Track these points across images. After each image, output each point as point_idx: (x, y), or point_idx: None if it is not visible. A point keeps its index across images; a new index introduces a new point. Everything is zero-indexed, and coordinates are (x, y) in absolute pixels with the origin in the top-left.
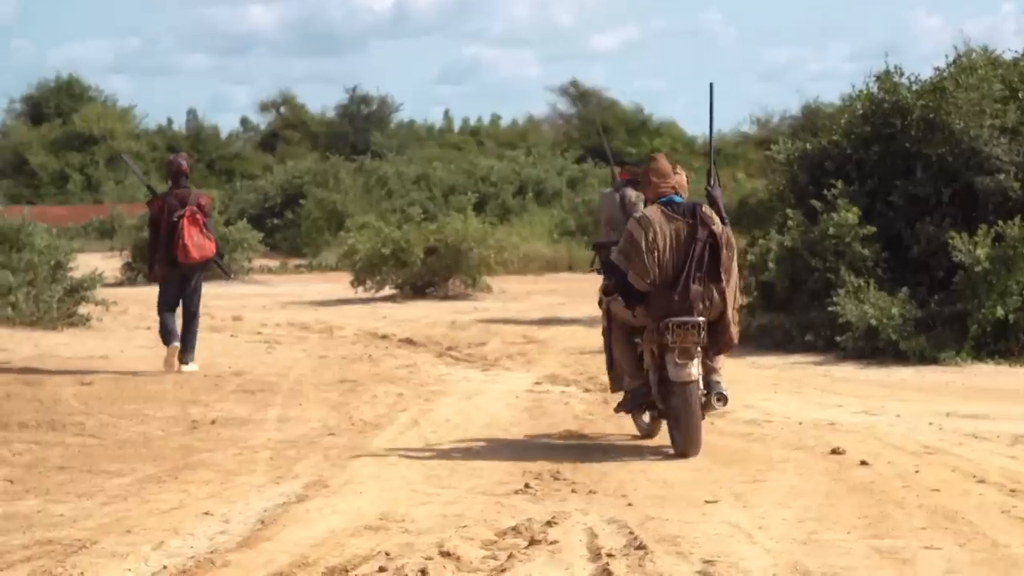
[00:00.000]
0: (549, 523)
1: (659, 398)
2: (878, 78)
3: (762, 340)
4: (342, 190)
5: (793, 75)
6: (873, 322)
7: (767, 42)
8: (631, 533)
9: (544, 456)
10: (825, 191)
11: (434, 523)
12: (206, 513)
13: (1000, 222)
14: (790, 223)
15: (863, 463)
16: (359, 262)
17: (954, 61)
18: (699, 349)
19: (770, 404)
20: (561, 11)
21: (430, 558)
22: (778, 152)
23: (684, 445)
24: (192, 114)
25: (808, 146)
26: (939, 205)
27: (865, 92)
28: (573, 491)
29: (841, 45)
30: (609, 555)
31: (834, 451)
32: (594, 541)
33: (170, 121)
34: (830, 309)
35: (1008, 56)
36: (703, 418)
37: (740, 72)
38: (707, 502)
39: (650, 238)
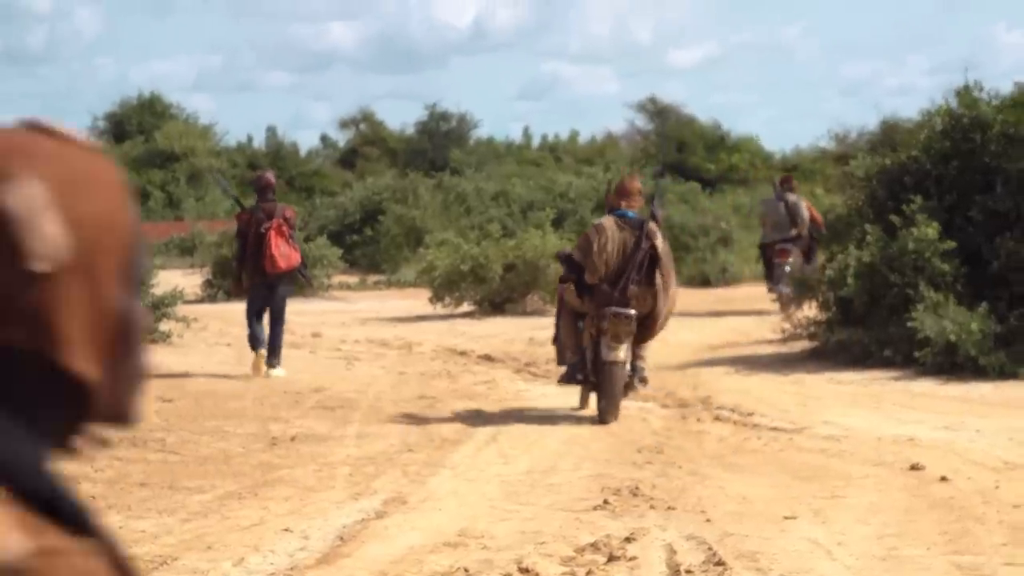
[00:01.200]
0: (628, 539)
1: (592, 372)
2: (957, 93)
3: (840, 356)
4: (421, 206)
5: (871, 90)
6: (952, 337)
7: (846, 56)
8: (710, 549)
9: (622, 472)
10: (904, 206)
11: (513, 539)
12: (286, 530)
13: None
14: (869, 238)
15: (943, 479)
16: (437, 278)
17: None
18: (629, 337)
19: (849, 420)
20: (639, 27)
21: (509, 574)
22: (856, 167)
23: (605, 413)
24: (272, 131)
25: (887, 161)
26: (1019, 220)
27: (944, 107)
28: (652, 507)
29: (920, 59)
30: (688, 571)
31: (914, 467)
32: (673, 557)
33: (250, 138)
34: (909, 324)
35: None
36: (626, 395)
37: (819, 86)
38: (786, 518)
39: (602, 243)
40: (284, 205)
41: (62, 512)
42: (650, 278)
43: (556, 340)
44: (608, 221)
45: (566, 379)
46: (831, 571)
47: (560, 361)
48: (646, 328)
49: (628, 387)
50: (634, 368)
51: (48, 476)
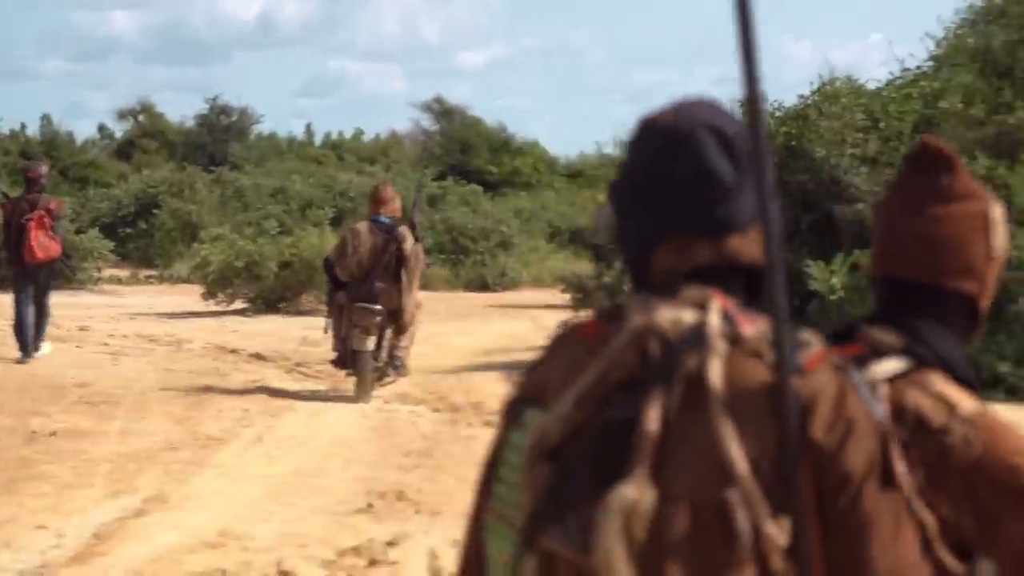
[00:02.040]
0: (390, 543)
1: (349, 360)
2: (741, 103)
3: None
4: (197, 201)
5: (659, 97)
6: None
7: (635, 63)
8: None
9: (390, 476)
10: None
11: (274, 541)
12: (40, 527)
13: (857, 251)
14: None
15: None
16: (211, 274)
17: (818, 89)
18: (376, 329)
19: None
20: (428, 27)
21: None
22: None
23: (357, 395)
24: (47, 120)
25: None
26: (797, 233)
27: None
28: (417, 511)
29: (708, 69)
30: None
31: None
32: (435, 562)
33: (23, 126)
34: None
35: (872, 86)
36: (380, 382)
37: (607, 92)
38: None
39: (355, 245)
40: (49, 197)
41: (973, 387)
42: (397, 277)
43: (327, 330)
44: (363, 226)
45: (335, 363)
46: None
47: (333, 347)
48: (398, 320)
49: (382, 375)
50: (392, 358)
51: (968, 367)
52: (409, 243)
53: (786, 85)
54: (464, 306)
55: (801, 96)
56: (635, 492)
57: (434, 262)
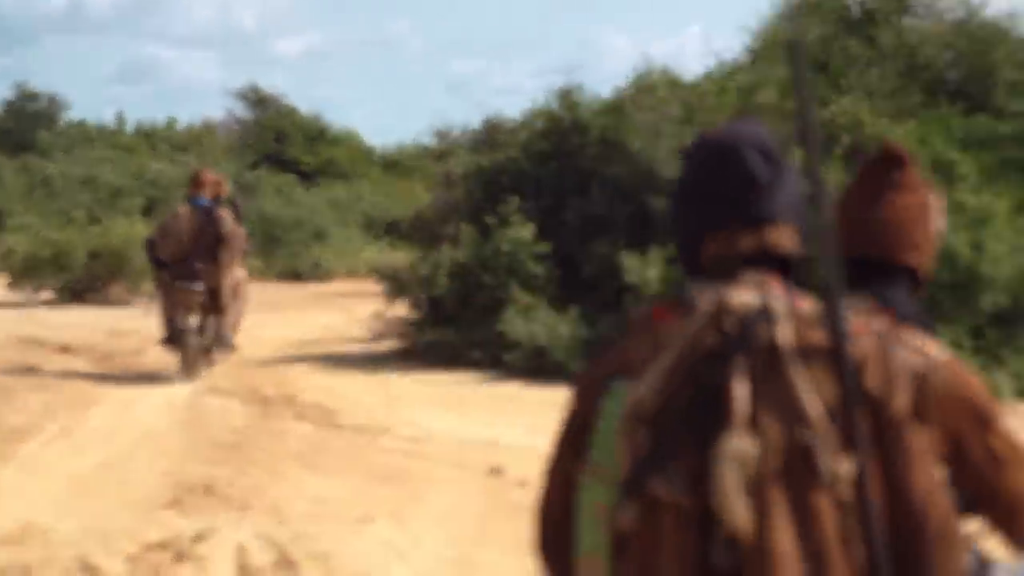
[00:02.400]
0: (197, 538)
1: (175, 338)
2: (559, 95)
3: (429, 356)
4: (3, 189)
5: (477, 88)
6: (541, 341)
7: (454, 54)
8: (282, 550)
9: (199, 469)
10: (500, 206)
11: (78, 536)
12: None
13: (673, 244)
14: (463, 238)
15: (522, 483)
16: (17, 264)
17: (634, 81)
18: (198, 307)
19: (433, 421)
20: (244, 14)
21: (71, 572)
22: (455, 166)
23: (184, 372)
24: None
25: (484, 160)
26: (613, 225)
27: (545, 109)
28: (226, 506)
29: (526, 60)
30: (258, 571)
31: (494, 470)
32: (243, 557)
33: None
34: (499, 327)
35: (688, 79)
36: (207, 359)
37: (424, 83)
38: (362, 520)
39: (175, 226)
40: None
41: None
42: (214, 257)
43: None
44: (183, 209)
45: (162, 342)
46: (402, 574)
47: (163, 329)
48: (217, 299)
49: (208, 352)
50: (218, 335)
51: (928, 321)
52: (228, 224)
53: (605, 77)
54: (277, 297)
55: (617, 88)
56: (742, 443)
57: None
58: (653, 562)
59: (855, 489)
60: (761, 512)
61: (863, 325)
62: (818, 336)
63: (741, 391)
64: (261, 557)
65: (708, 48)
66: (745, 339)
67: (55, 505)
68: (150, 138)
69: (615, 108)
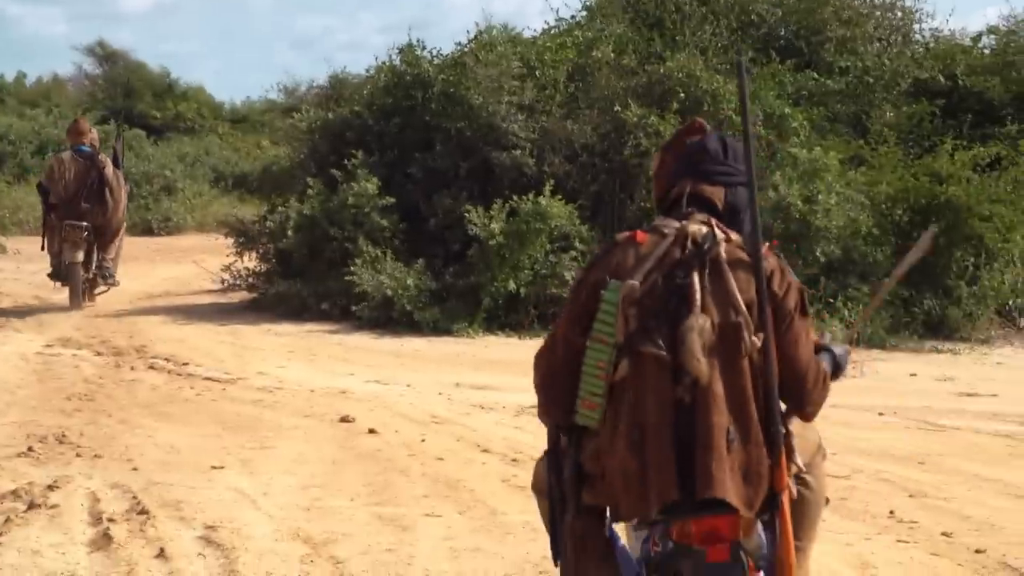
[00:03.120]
0: (51, 487)
1: (63, 272)
2: (401, 51)
3: (279, 308)
4: None
5: (324, 44)
6: (389, 292)
7: (301, 9)
8: (134, 498)
9: (51, 419)
10: (346, 161)
11: None
12: None
13: (515, 197)
14: (310, 192)
15: (371, 431)
16: None
17: (475, 37)
18: (84, 244)
19: (284, 372)
20: None
21: None
22: (300, 120)
23: (71, 303)
24: None
25: (330, 115)
26: (457, 179)
27: (388, 64)
28: (78, 455)
29: (371, 16)
30: (111, 520)
31: (344, 419)
32: (96, 506)
33: None
34: (347, 279)
35: (528, 35)
36: (92, 291)
37: (271, 39)
38: (213, 468)
39: (61, 171)
40: None
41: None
42: (101, 198)
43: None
44: (66, 155)
45: (51, 277)
46: (254, 520)
47: (51, 265)
48: (105, 236)
49: (94, 284)
50: (101, 268)
51: None
52: (110, 169)
53: (448, 33)
54: (128, 251)
55: (459, 44)
56: (701, 320)
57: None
58: (640, 398)
59: (762, 355)
60: (709, 366)
61: (767, 249)
62: (742, 254)
63: (698, 287)
64: (114, 505)
65: (547, 6)
66: (699, 254)
67: None
68: None
69: (456, 63)
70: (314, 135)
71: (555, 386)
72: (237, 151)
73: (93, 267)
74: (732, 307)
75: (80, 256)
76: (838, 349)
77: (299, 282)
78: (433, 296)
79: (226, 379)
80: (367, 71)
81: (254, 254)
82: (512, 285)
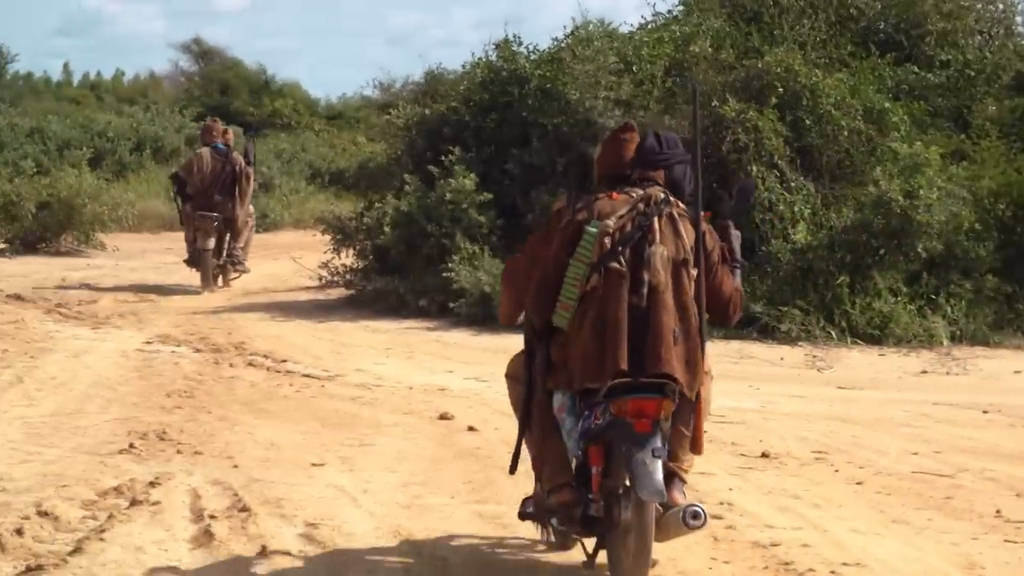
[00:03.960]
0: (152, 484)
1: (196, 258)
2: (497, 46)
3: (377, 304)
4: None
5: (419, 41)
6: (487, 289)
7: (394, 6)
8: (235, 495)
9: (151, 416)
10: (443, 157)
11: (33, 482)
12: None
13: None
14: (407, 188)
15: (471, 428)
16: None
17: (572, 33)
18: (215, 232)
19: (382, 368)
20: None
21: (27, 518)
22: (397, 117)
23: (202, 286)
24: None
25: (427, 112)
26: (553, 174)
27: (484, 60)
28: (179, 452)
29: (466, 12)
30: (212, 517)
31: (443, 416)
32: (197, 502)
33: None
34: (444, 275)
35: (624, 30)
36: (224, 277)
37: (366, 35)
38: (313, 465)
39: (198, 166)
40: None
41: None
42: (231, 191)
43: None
44: (205, 151)
45: (187, 263)
46: (355, 518)
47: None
48: (233, 225)
49: (225, 271)
50: (231, 256)
51: None
52: (241, 165)
53: (542, 28)
54: None
55: (555, 39)
56: (661, 248)
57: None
58: (605, 301)
59: (696, 284)
60: (663, 285)
61: (703, 215)
62: (686, 214)
63: (658, 228)
64: (215, 502)
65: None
66: (659, 208)
67: (10, 452)
68: (96, 90)
69: (553, 59)
70: (411, 131)
71: (545, 293)
72: (333, 147)
73: (224, 255)
74: (680, 246)
75: (211, 243)
76: (736, 242)
77: (396, 278)
78: None
79: (324, 376)
80: (463, 67)
81: (351, 250)
82: None
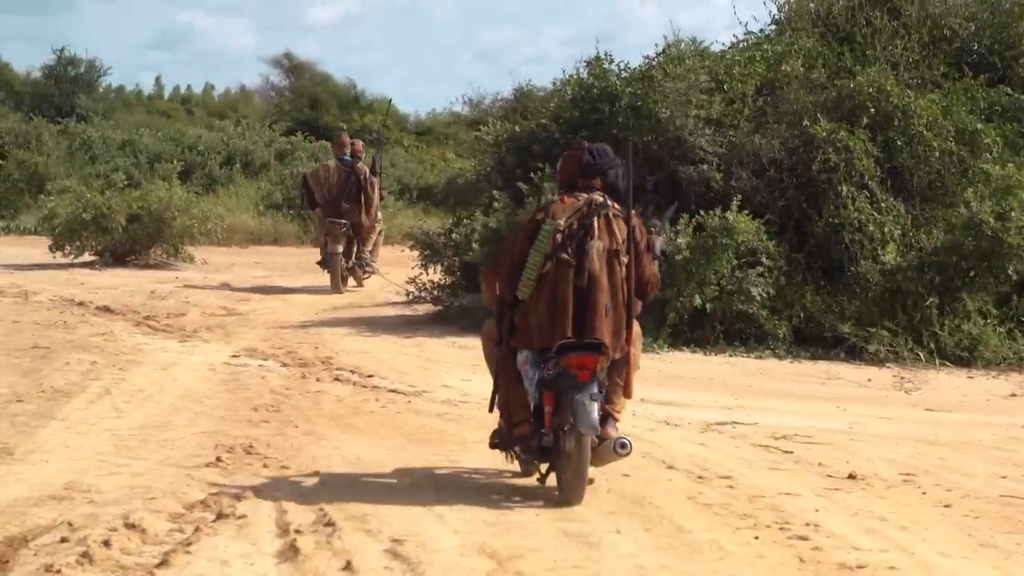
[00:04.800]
0: (238, 497)
1: (326, 260)
2: (588, 64)
3: (463, 320)
4: (44, 152)
5: (508, 57)
6: None
7: (485, 22)
8: (321, 510)
9: (238, 430)
10: (532, 174)
11: (121, 494)
12: None
13: (702, 212)
14: (496, 204)
15: None
16: (58, 226)
17: (663, 51)
18: (344, 237)
19: (468, 385)
20: None
21: (114, 529)
22: (487, 133)
23: (332, 287)
24: None
25: (516, 128)
26: (644, 192)
27: (575, 77)
28: (265, 466)
29: (556, 29)
30: (297, 531)
31: None
32: (283, 517)
33: None
34: None
35: (716, 48)
36: (355, 277)
37: (456, 51)
38: (399, 481)
39: (325, 176)
40: None
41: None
42: (358, 199)
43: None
44: (332, 163)
45: (319, 264)
46: (440, 534)
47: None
48: (361, 232)
49: (354, 273)
50: (359, 259)
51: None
52: (366, 175)
53: (634, 45)
54: (313, 261)
55: (646, 57)
56: (598, 243)
57: (285, 217)
58: (555, 283)
59: (628, 268)
60: (599, 270)
61: (634, 213)
62: (621, 213)
63: (597, 226)
64: (301, 517)
65: (735, 18)
66: (598, 210)
67: (98, 464)
68: (187, 104)
69: (644, 77)
70: (500, 148)
71: (513, 274)
72: (422, 163)
73: (353, 258)
74: (614, 239)
75: (340, 248)
76: (659, 244)
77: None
78: None
79: (411, 392)
80: (553, 83)
81: (439, 266)
82: (698, 300)
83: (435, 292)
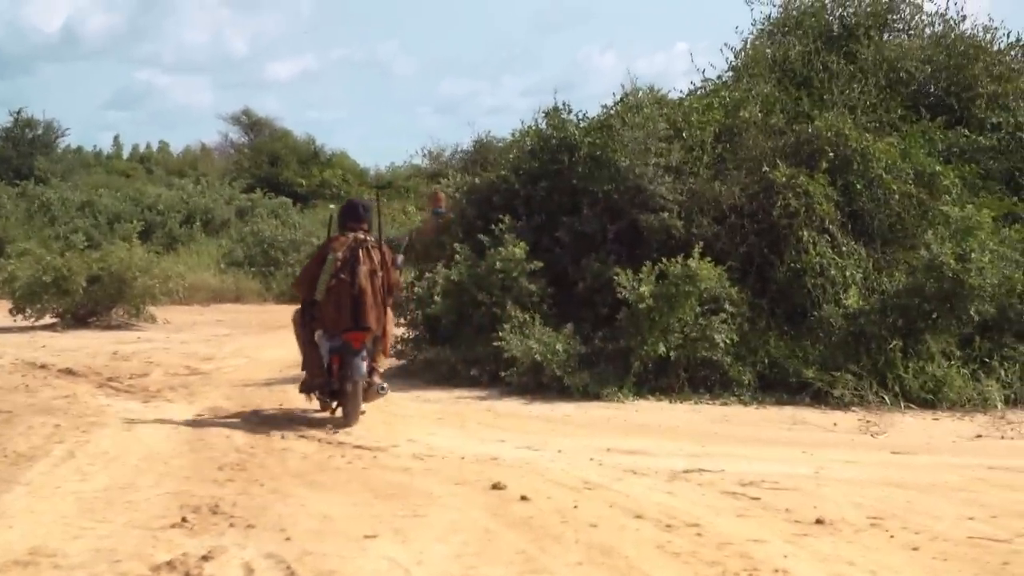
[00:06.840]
0: (205, 557)
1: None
2: (547, 114)
3: (427, 374)
4: (3, 215)
5: (468, 108)
6: (538, 357)
7: (444, 74)
8: (288, 568)
9: (204, 489)
10: (493, 225)
11: (87, 557)
12: None
13: (663, 260)
14: (457, 257)
15: (523, 498)
16: (19, 289)
17: (621, 99)
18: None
19: (433, 439)
20: (236, 38)
21: None
22: (447, 186)
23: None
24: None
25: (476, 180)
26: (604, 242)
27: (534, 128)
28: (231, 525)
29: (515, 80)
30: None
31: (495, 486)
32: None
33: None
34: (495, 344)
35: (674, 96)
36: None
37: (415, 104)
38: (366, 537)
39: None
40: None
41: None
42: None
43: None
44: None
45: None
46: None
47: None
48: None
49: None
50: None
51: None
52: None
53: (592, 95)
54: (275, 319)
55: (604, 106)
56: (364, 267)
57: (247, 274)
58: (339, 293)
59: (382, 279)
60: (365, 283)
61: (386, 244)
62: (376, 245)
63: (362, 256)
64: (269, 575)
65: (694, 66)
66: (362, 244)
67: (63, 527)
68: (146, 163)
69: (602, 126)
70: (460, 200)
71: (311, 284)
72: (382, 216)
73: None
74: (374, 263)
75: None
76: (399, 261)
77: (448, 348)
78: (583, 360)
79: (376, 447)
80: (512, 134)
81: (402, 320)
82: (662, 348)
83: (398, 346)
